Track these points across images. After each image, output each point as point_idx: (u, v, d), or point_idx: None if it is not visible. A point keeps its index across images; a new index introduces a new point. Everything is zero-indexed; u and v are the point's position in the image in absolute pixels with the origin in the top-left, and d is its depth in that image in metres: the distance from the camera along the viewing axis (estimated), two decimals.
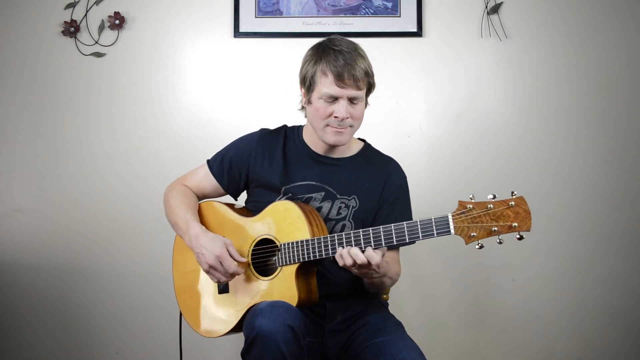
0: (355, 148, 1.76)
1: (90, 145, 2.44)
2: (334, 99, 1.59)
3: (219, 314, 1.68)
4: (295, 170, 1.71)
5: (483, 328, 2.44)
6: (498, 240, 1.34)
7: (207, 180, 1.79)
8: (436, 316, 2.44)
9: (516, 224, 1.32)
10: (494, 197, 1.34)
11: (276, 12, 2.41)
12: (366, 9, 2.40)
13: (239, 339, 1.73)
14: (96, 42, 2.43)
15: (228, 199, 1.81)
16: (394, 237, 1.43)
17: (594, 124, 2.40)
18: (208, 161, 1.80)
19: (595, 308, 2.41)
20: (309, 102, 1.65)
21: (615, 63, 2.40)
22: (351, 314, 1.68)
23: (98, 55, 2.43)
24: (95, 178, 2.44)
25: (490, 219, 1.34)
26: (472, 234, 1.35)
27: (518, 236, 1.33)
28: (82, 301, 2.44)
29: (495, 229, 1.33)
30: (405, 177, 1.77)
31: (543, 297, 2.42)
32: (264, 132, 1.78)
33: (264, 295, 1.59)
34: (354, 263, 1.44)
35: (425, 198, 2.34)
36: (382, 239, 1.44)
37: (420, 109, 2.43)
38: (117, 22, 2.39)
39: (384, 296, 1.94)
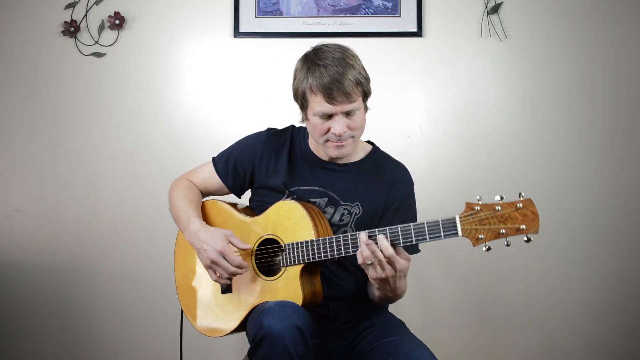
0: (362, 152, 1.72)
1: (90, 145, 2.44)
2: (329, 116, 1.54)
3: (222, 313, 1.67)
4: (299, 174, 1.68)
5: (483, 328, 2.44)
6: (506, 243, 1.32)
7: (211, 179, 1.77)
8: (436, 316, 2.44)
9: (524, 226, 1.29)
10: (502, 198, 1.31)
11: (276, 12, 2.41)
12: (366, 9, 2.40)
13: (239, 339, 1.73)
14: (96, 42, 2.43)
15: (232, 197, 1.81)
16: (401, 238, 1.40)
17: (594, 124, 2.40)
18: (214, 159, 1.79)
19: (595, 308, 2.41)
20: (305, 118, 1.61)
21: (616, 62, 2.39)
22: (354, 315, 1.68)
23: (98, 55, 2.43)
24: (95, 178, 2.44)
25: (498, 221, 1.31)
26: (479, 236, 1.32)
27: (525, 239, 1.30)
28: (81, 301, 2.44)
29: (503, 231, 1.31)
30: (412, 184, 1.73)
31: (543, 297, 2.42)
32: (271, 133, 1.75)
33: (268, 296, 1.58)
34: (375, 256, 1.39)
35: (425, 198, 2.33)
36: (388, 240, 1.42)
37: (420, 109, 2.43)
38: (117, 22, 2.39)
39: None
